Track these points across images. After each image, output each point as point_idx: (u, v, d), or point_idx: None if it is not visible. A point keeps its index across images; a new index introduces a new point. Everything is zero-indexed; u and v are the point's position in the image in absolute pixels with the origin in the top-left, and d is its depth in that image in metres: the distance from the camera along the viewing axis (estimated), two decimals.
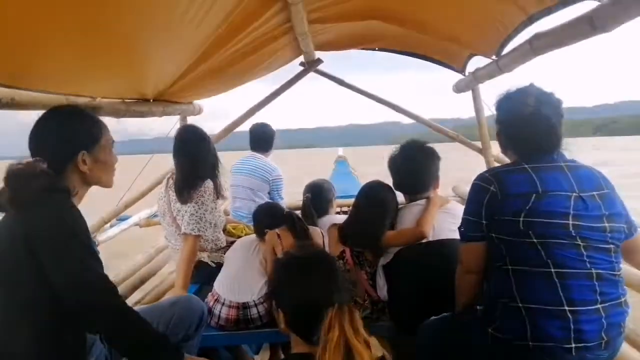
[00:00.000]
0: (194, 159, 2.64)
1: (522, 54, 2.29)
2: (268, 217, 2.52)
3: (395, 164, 2.36)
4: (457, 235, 2.17)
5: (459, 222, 1.72)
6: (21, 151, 1.47)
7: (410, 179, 2.32)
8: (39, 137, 1.50)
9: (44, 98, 1.71)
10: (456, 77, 3.76)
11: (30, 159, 1.42)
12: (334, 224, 2.46)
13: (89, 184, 1.58)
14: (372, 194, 2.35)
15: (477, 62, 3.31)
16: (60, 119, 1.54)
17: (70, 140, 1.52)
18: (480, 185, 1.59)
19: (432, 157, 2.31)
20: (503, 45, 2.47)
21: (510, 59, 2.48)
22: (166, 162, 3.03)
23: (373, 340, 2.10)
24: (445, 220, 2.18)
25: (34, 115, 1.53)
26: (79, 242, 1.36)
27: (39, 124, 1.51)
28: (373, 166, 8.23)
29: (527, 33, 2.20)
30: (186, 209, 2.57)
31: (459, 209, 2.32)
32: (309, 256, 1.35)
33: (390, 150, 2.41)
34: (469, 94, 3.76)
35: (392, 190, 2.34)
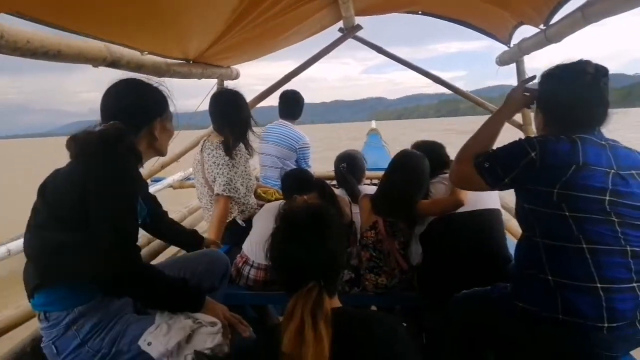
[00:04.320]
0: (224, 122, 2.73)
1: (572, 22, 2.18)
2: (296, 183, 2.52)
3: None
4: (494, 205, 2.14)
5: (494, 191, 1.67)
6: None
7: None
8: (117, 101, 1.59)
9: (89, 51, 1.74)
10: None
11: (110, 123, 1.50)
12: (365, 194, 2.42)
13: (153, 149, 1.68)
14: (405, 162, 2.25)
15: (521, 35, 3.19)
16: (138, 86, 1.66)
17: (150, 106, 1.64)
18: (524, 145, 1.50)
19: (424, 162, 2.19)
20: (553, 13, 2.34)
21: (559, 27, 2.35)
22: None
23: None
24: None
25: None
26: (123, 196, 1.43)
27: (116, 90, 1.60)
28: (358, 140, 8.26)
29: (575, 2, 2.09)
30: (218, 170, 2.62)
31: None
32: (301, 212, 1.25)
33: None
34: None
35: (425, 157, 2.23)
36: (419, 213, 2.17)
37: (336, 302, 1.20)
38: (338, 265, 1.23)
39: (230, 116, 2.72)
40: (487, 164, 1.57)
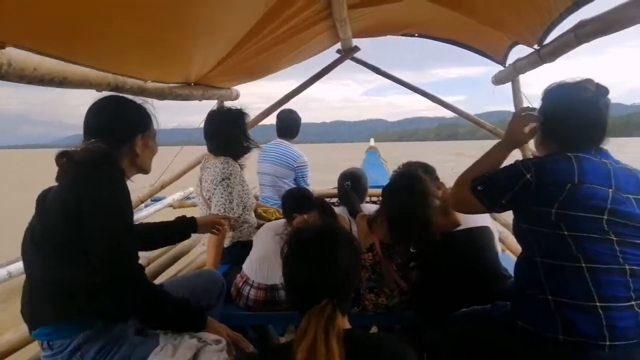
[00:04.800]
0: (213, 142, 2.77)
1: (565, 42, 2.21)
2: (296, 202, 2.53)
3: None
4: (484, 223, 2.15)
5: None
6: None
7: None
8: (99, 118, 1.59)
9: (95, 78, 1.78)
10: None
11: (92, 140, 1.51)
12: (363, 215, 2.41)
13: (136, 166, 1.66)
14: (404, 183, 2.15)
15: (516, 54, 3.26)
16: (119, 103, 1.66)
17: (131, 123, 1.63)
18: (519, 167, 1.52)
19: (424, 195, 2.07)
20: (546, 33, 2.38)
21: (552, 48, 2.39)
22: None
23: None
24: None
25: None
26: (119, 216, 1.42)
27: (98, 107, 1.61)
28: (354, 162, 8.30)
29: (568, 23, 2.13)
30: (215, 190, 2.64)
31: None
32: (312, 231, 1.25)
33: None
34: None
35: (422, 177, 2.14)
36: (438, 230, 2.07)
37: (346, 323, 1.20)
38: (351, 282, 1.24)
39: (222, 137, 2.73)
40: (483, 187, 1.60)
